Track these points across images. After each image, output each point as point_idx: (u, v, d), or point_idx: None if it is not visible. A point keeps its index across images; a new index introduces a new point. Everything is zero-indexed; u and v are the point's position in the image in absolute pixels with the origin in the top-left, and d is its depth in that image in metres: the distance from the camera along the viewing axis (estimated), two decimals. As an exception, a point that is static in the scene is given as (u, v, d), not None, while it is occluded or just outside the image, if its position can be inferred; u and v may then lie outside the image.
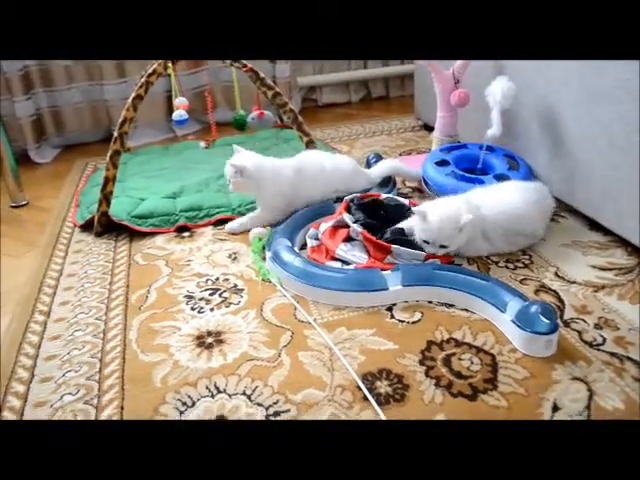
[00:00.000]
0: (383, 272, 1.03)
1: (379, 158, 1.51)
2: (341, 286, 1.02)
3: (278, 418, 0.78)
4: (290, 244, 1.15)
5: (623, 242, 1.14)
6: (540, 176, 1.33)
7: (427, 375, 0.84)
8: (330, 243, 1.14)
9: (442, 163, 1.38)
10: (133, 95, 1.34)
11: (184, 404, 0.82)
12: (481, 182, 1.27)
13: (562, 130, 1.24)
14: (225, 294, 1.08)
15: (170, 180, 1.56)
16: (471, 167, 1.38)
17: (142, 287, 1.12)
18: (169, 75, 1.45)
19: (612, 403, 0.77)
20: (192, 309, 1.04)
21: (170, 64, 1.40)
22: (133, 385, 0.86)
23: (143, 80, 1.35)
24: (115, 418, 0.80)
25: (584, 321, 0.94)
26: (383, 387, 0.82)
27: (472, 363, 0.86)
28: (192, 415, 0.80)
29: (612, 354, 0.86)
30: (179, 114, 1.50)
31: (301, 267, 1.06)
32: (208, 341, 0.95)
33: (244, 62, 1.44)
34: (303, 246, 1.21)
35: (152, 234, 1.33)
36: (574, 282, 1.04)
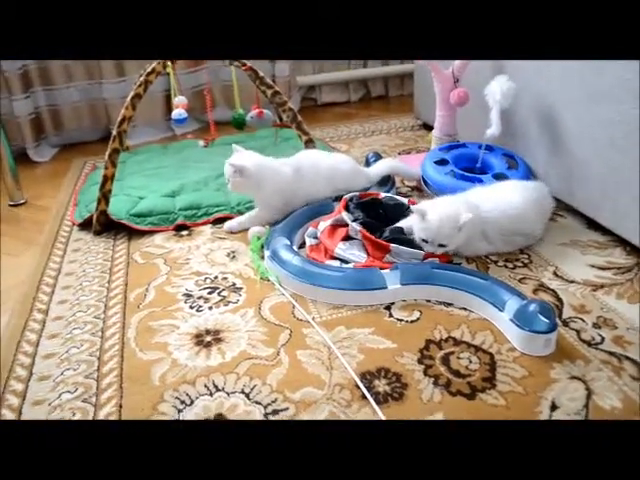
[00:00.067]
0: (382, 271, 1.03)
1: (378, 157, 1.50)
2: (340, 285, 1.02)
3: (276, 416, 0.78)
4: (289, 243, 1.14)
5: (622, 241, 1.14)
6: (539, 175, 1.33)
7: (426, 374, 0.84)
8: (329, 242, 1.14)
9: (441, 162, 1.38)
10: (132, 94, 1.34)
11: (182, 402, 0.82)
12: (480, 181, 1.27)
13: (561, 129, 1.24)
14: (224, 293, 1.08)
15: (169, 179, 1.56)
16: (470, 166, 1.38)
17: (141, 285, 1.12)
18: (168, 74, 1.45)
19: (610, 402, 0.77)
20: (191, 307, 1.04)
21: (169, 63, 1.40)
22: (131, 383, 0.86)
23: (142, 79, 1.35)
24: (113, 416, 0.80)
25: (583, 320, 0.94)
26: (382, 386, 0.83)
27: (471, 362, 0.86)
28: (190, 413, 0.80)
29: (610, 353, 0.86)
30: (178, 113, 1.50)
31: (300, 266, 1.06)
32: (207, 339, 0.95)
33: (243, 61, 1.44)
34: (302, 245, 1.21)
35: (151, 233, 1.33)
36: (573, 281, 1.04)
